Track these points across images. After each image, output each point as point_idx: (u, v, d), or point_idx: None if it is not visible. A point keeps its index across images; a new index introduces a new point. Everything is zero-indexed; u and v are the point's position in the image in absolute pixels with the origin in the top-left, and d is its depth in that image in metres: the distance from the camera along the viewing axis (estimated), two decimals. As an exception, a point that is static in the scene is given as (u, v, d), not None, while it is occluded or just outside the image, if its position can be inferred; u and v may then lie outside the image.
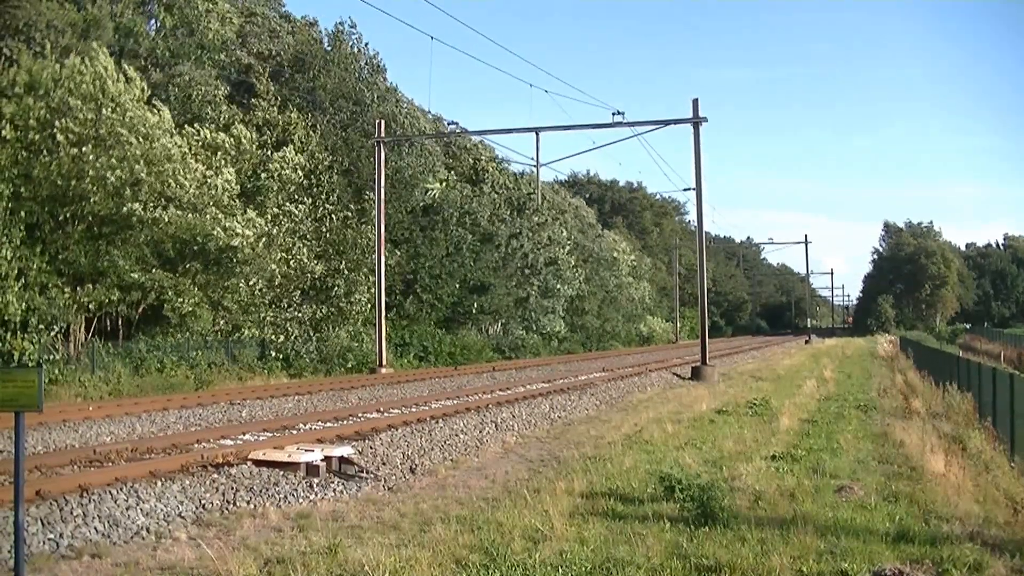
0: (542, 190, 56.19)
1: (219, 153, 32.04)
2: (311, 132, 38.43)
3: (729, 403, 21.13)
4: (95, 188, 26.46)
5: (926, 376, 28.85)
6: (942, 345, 61.56)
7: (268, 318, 32.77)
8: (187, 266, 29.66)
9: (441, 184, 47.03)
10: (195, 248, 29.52)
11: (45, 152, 26.07)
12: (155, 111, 28.74)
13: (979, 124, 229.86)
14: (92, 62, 27.24)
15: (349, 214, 37.65)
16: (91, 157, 26.23)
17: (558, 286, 57.26)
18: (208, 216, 29.13)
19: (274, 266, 31.92)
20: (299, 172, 35.36)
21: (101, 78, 27.11)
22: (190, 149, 30.57)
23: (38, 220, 26.06)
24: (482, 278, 47.13)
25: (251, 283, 31.39)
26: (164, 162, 27.67)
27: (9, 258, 23.54)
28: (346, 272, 36.05)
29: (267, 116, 37.12)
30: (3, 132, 25.38)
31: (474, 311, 46.42)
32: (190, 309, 28.81)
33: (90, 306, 26.78)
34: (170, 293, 28.49)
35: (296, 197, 35.06)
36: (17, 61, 27.18)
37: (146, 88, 29.16)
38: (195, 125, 32.41)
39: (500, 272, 49.50)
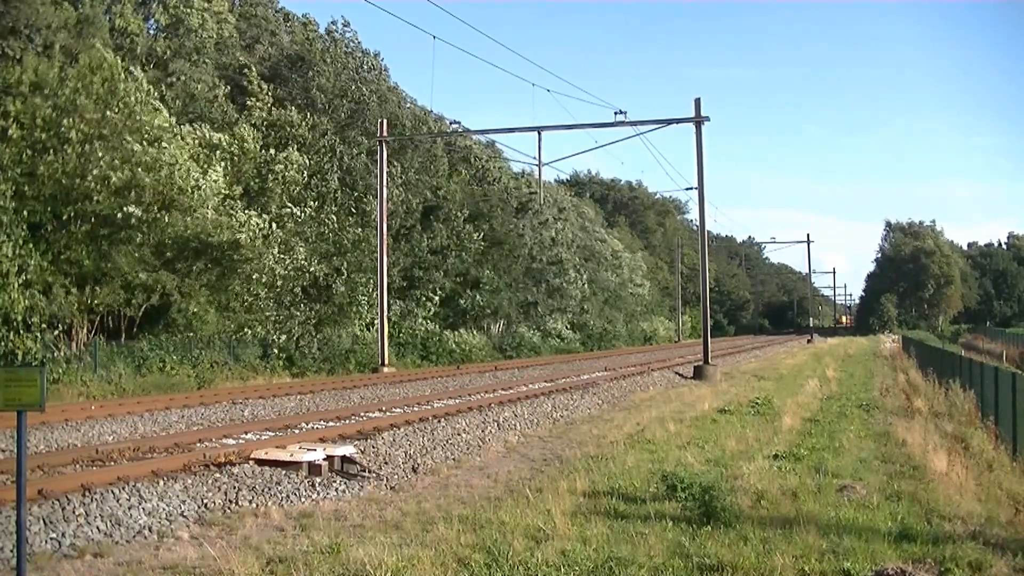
0: (544, 189, 56.13)
1: (218, 152, 32.00)
2: (311, 132, 38.40)
3: (731, 402, 21.12)
4: (98, 187, 26.48)
5: (929, 375, 28.83)
6: (944, 344, 61.48)
7: (271, 317, 32.76)
8: (190, 265, 29.63)
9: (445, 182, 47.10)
10: (196, 247, 29.49)
11: (51, 151, 26.08)
12: (161, 112, 28.72)
13: (981, 122, 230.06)
14: (103, 63, 27.20)
15: (351, 214, 37.65)
16: (99, 153, 26.23)
17: (565, 285, 57.22)
18: (204, 216, 29.01)
19: (275, 265, 31.85)
20: (303, 173, 35.36)
21: (111, 78, 27.10)
22: (192, 145, 30.53)
23: (40, 219, 26.08)
24: (486, 277, 47.10)
25: (255, 278, 31.32)
26: (164, 167, 27.60)
27: (9, 256, 23.54)
28: (347, 273, 36.05)
29: (263, 116, 37.11)
30: (9, 131, 25.39)
31: (471, 308, 46.35)
32: (195, 311, 28.79)
33: (94, 307, 26.82)
34: (176, 295, 28.49)
35: (299, 198, 35.05)
36: (21, 60, 27.18)
37: (151, 89, 29.14)
38: (194, 125, 32.39)
39: (506, 269, 49.45)
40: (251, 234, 29.89)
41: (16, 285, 23.06)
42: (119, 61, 28.12)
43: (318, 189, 36.76)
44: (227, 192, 30.82)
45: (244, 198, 32.36)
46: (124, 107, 27.09)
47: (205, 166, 30.50)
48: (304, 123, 38.04)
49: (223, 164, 31.60)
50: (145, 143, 27.20)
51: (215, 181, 30.21)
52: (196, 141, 31.42)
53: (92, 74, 26.83)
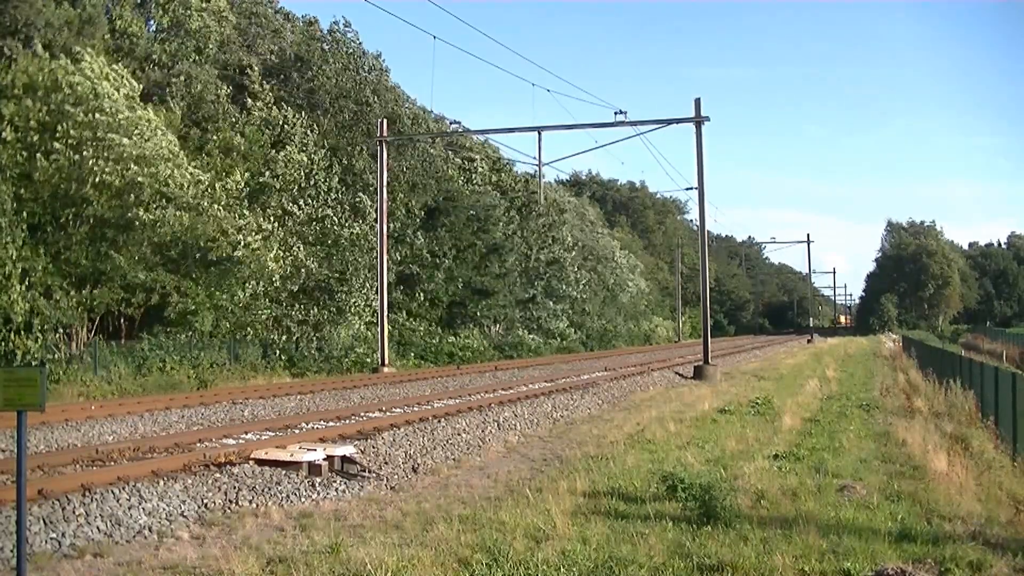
0: (544, 189, 56.14)
1: (234, 153, 32.04)
2: (309, 131, 38.37)
3: (731, 402, 21.12)
4: (96, 191, 26.44)
5: (929, 375, 28.82)
6: (944, 344, 61.48)
7: (270, 317, 32.75)
8: (188, 266, 29.61)
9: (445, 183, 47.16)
10: (195, 252, 29.45)
11: (44, 154, 26.03)
12: (157, 109, 28.63)
13: (981, 122, 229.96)
14: (80, 64, 27.10)
15: (350, 214, 37.66)
16: (91, 160, 26.18)
17: (563, 286, 57.24)
18: (208, 216, 28.95)
19: (273, 265, 31.81)
20: (301, 172, 35.36)
21: (92, 80, 27.02)
22: (202, 148, 30.56)
23: (40, 221, 26.07)
24: (486, 283, 47.13)
25: (251, 284, 31.29)
26: (158, 162, 27.53)
27: (14, 258, 23.56)
28: (348, 275, 36.05)
29: (263, 115, 37.10)
30: (3, 134, 25.35)
31: (478, 314, 46.50)
32: (193, 308, 28.80)
33: (94, 307, 26.80)
34: (174, 295, 28.47)
35: (297, 196, 35.06)
36: (16, 61, 27.12)
37: (137, 86, 29.04)
38: (203, 125, 32.43)
39: (503, 274, 49.50)
40: (247, 248, 29.75)
41: (18, 288, 23.09)
42: (99, 61, 27.97)
43: (317, 188, 36.76)
44: (236, 191, 30.87)
45: (247, 197, 32.39)
46: (109, 109, 27.02)
47: (226, 168, 30.61)
48: (300, 122, 38.00)
49: (237, 165, 31.71)
50: (134, 139, 27.05)
51: (237, 182, 30.30)
52: (215, 143, 31.53)
53: (76, 74, 26.73)
